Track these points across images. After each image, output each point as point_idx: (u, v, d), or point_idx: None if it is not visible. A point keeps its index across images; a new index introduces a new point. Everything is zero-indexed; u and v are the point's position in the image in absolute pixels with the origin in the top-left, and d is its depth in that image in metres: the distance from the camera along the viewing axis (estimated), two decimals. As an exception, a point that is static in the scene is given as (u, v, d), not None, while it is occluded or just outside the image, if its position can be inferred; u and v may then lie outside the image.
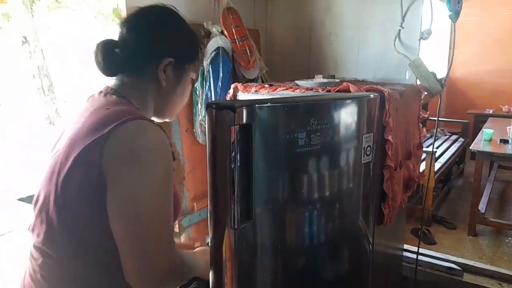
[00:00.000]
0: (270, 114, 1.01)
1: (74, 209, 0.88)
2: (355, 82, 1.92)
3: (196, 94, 1.97)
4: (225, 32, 2.01)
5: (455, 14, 1.85)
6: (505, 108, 5.79)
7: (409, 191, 1.83)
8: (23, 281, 0.99)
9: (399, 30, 2.06)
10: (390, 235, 1.90)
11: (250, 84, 1.77)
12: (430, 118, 2.25)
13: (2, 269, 3.09)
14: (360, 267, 1.44)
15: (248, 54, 2.06)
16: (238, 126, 0.93)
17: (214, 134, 0.93)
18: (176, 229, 1.93)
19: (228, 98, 1.77)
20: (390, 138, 1.48)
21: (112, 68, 1.00)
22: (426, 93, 1.95)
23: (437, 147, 4.66)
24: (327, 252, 1.30)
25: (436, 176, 3.82)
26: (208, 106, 0.94)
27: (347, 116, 1.23)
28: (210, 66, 1.93)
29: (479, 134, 4.06)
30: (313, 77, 1.83)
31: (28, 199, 5.22)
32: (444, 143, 4.93)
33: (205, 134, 1.89)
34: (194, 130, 2.01)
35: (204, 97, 1.95)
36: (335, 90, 1.52)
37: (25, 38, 3.87)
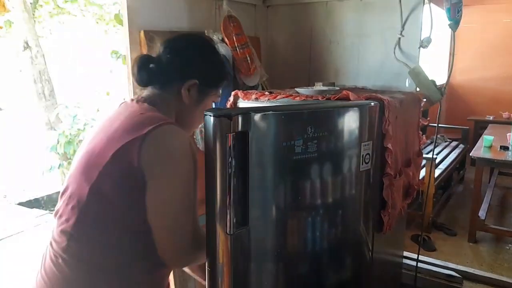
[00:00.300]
0: (266, 122, 1.04)
1: (111, 197, 1.02)
2: (355, 89, 1.92)
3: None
4: (226, 40, 2.02)
5: (455, 23, 1.86)
6: (505, 115, 5.80)
7: (408, 198, 1.83)
8: (43, 266, 1.10)
9: (399, 38, 2.07)
10: (389, 242, 1.90)
11: (250, 91, 1.78)
12: (430, 124, 2.26)
13: (6, 271, 3.09)
14: (359, 275, 1.44)
15: (249, 61, 2.07)
16: (234, 133, 0.96)
17: (210, 140, 0.97)
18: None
19: (228, 105, 1.78)
20: (389, 146, 1.48)
21: (144, 79, 1.16)
22: (425, 99, 1.96)
23: (437, 154, 4.66)
24: (325, 259, 1.30)
25: (436, 183, 3.82)
26: (206, 113, 0.98)
27: (345, 124, 1.24)
28: (211, 73, 1.94)
29: (479, 141, 4.06)
30: (313, 85, 1.84)
31: (27, 204, 5.21)
32: (444, 150, 4.93)
33: (205, 141, 1.89)
34: (195, 137, 2.02)
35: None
36: (335, 98, 1.53)
37: (27, 43, 3.89)
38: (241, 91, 1.76)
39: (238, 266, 1.06)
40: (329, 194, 1.24)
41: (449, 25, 1.87)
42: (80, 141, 3.70)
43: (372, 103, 1.35)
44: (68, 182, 1.09)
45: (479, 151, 3.71)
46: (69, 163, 3.82)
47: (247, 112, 1.00)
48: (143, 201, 1.01)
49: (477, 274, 2.19)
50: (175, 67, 1.15)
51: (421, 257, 2.16)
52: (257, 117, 1.01)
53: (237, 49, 2.03)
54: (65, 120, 3.90)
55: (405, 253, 2.30)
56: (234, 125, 0.96)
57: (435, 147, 2.58)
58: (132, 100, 1.17)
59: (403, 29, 2.06)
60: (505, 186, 4.99)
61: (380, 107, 1.40)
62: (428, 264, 2.26)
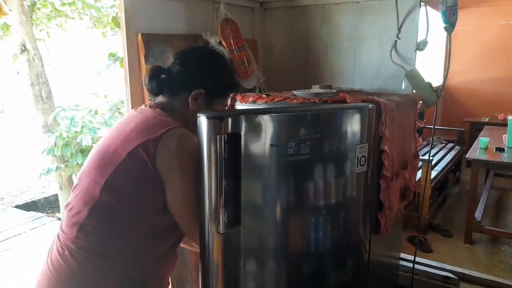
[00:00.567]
0: (258, 123, 1.07)
1: (124, 192, 1.11)
2: (352, 92, 1.94)
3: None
4: (223, 43, 2.03)
5: (451, 26, 1.87)
6: (500, 117, 5.83)
7: (405, 200, 1.84)
8: (49, 258, 1.16)
9: (396, 41, 2.09)
10: (386, 244, 1.91)
11: (247, 94, 1.78)
12: (427, 126, 2.27)
13: (2, 274, 3.08)
14: (356, 277, 1.45)
15: (246, 64, 2.08)
16: (226, 135, 1.00)
17: (203, 142, 1.01)
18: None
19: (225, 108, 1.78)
20: (386, 148, 1.50)
21: (154, 89, 1.25)
22: (421, 102, 1.97)
23: (433, 155, 4.68)
24: (321, 260, 1.31)
25: (432, 184, 3.83)
26: (198, 115, 1.02)
27: (339, 127, 1.25)
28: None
29: (475, 142, 4.08)
30: (310, 87, 1.85)
31: (24, 206, 5.18)
32: (440, 151, 4.95)
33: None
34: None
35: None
36: (332, 100, 1.54)
37: (24, 46, 3.88)
38: (238, 93, 1.77)
39: (230, 265, 1.09)
40: (322, 196, 1.25)
41: (444, 27, 1.88)
42: (78, 143, 3.70)
43: (369, 106, 1.35)
44: (80, 178, 1.18)
45: (475, 152, 3.72)
46: (66, 166, 3.81)
47: (238, 114, 1.05)
48: (157, 195, 1.10)
49: (473, 276, 2.20)
50: (183, 77, 1.24)
51: (417, 259, 2.17)
52: (248, 119, 1.04)
53: (235, 51, 2.05)
54: (62, 122, 3.89)
55: (402, 255, 2.31)
56: (225, 127, 1.00)
57: (431, 148, 2.59)
58: (146, 105, 1.27)
59: (400, 32, 2.07)
60: (500, 187, 5.01)
61: (376, 110, 1.40)
62: (425, 266, 2.27)
